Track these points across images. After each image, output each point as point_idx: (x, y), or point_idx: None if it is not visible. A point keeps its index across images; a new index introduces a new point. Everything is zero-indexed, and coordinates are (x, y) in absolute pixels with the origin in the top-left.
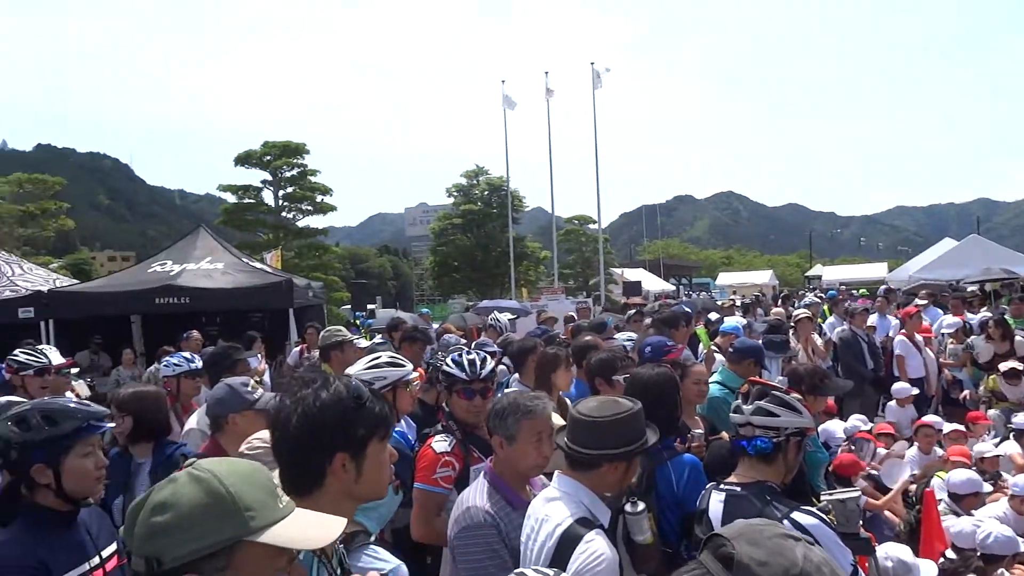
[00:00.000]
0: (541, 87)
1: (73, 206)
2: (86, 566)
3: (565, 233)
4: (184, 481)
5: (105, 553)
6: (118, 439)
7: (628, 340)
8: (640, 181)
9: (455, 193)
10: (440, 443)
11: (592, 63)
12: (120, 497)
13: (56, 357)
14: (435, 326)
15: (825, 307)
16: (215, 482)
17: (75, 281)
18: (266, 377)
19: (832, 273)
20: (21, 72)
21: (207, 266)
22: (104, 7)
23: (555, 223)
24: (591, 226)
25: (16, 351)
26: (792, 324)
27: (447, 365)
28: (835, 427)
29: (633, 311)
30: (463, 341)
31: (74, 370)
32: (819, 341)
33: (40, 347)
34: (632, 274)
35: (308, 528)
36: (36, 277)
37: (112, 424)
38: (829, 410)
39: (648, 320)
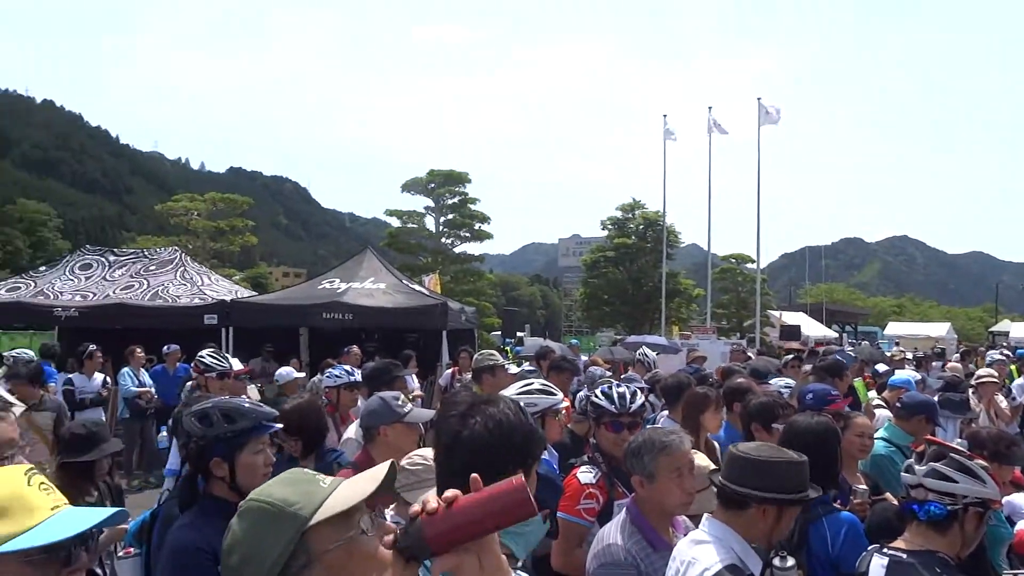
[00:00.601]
0: (703, 122)
1: (257, 224)
2: None
3: (721, 271)
4: (235, 522)
5: None
6: (286, 451)
7: (785, 387)
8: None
9: (609, 226)
10: (585, 474)
11: (759, 98)
12: None
13: (236, 364)
14: (583, 358)
15: (1013, 367)
16: (254, 504)
17: (254, 293)
18: (418, 395)
19: (1021, 330)
20: (219, 101)
21: (370, 286)
22: (291, 45)
23: (710, 260)
24: (749, 265)
25: (204, 354)
26: (973, 383)
27: (596, 397)
28: (1021, 501)
29: (791, 356)
30: (609, 374)
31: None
32: (1005, 404)
33: (224, 353)
34: (791, 318)
35: (351, 487)
36: (221, 288)
37: (280, 425)
38: (1016, 481)
39: (808, 367)
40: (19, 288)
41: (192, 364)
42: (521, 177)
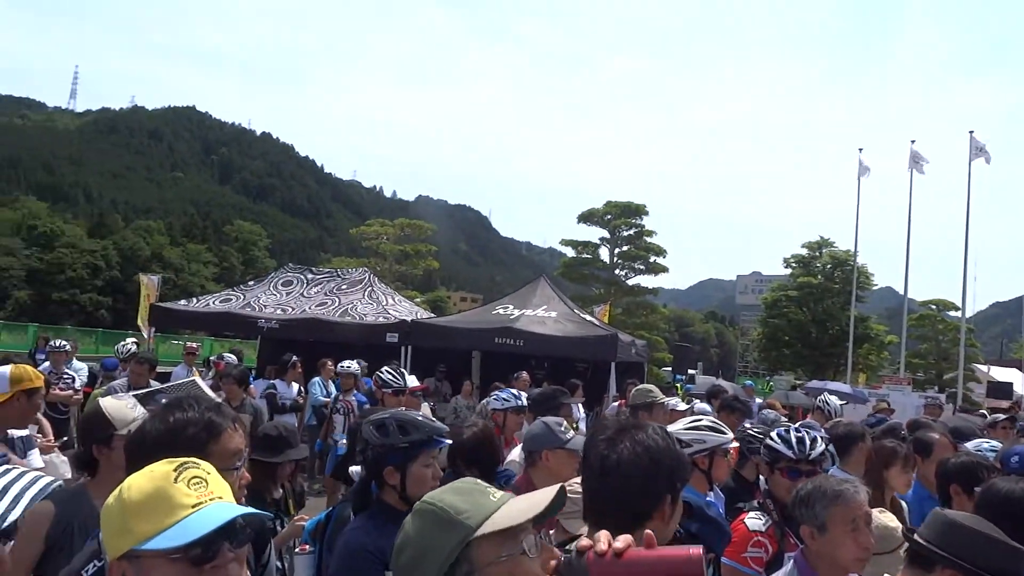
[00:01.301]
0: (902, 157)
1: (439, 249)
2: None
3: (918, 318)
4: (408, 521)
5: None
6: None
7: (991, 450)
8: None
9: (793, 264)
10: (754, 520)
11: (971, 132)
12: None
13: (412, 381)
14: (757, 400)
15: None
16: (427, 506)
17: (432, 315)
18: (582, 425)
19: None
20: (412, 134)
21: (543, 313)
22: (479, 81)
23: (907, 306)
24: (952, 313)
25: (383, 370)
26: None
27: (772, 440)
28: None
29: (1002, 416)
30: (785, 419)
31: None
32: None
33: (401, 370)
34: (1002, 373)
35: (520, 505)
36: (404, 308)
37: (449, 441)
38: None
39: (1020, 427)
40: (231, 300)
41: (372, 379)
42: (700, 210)
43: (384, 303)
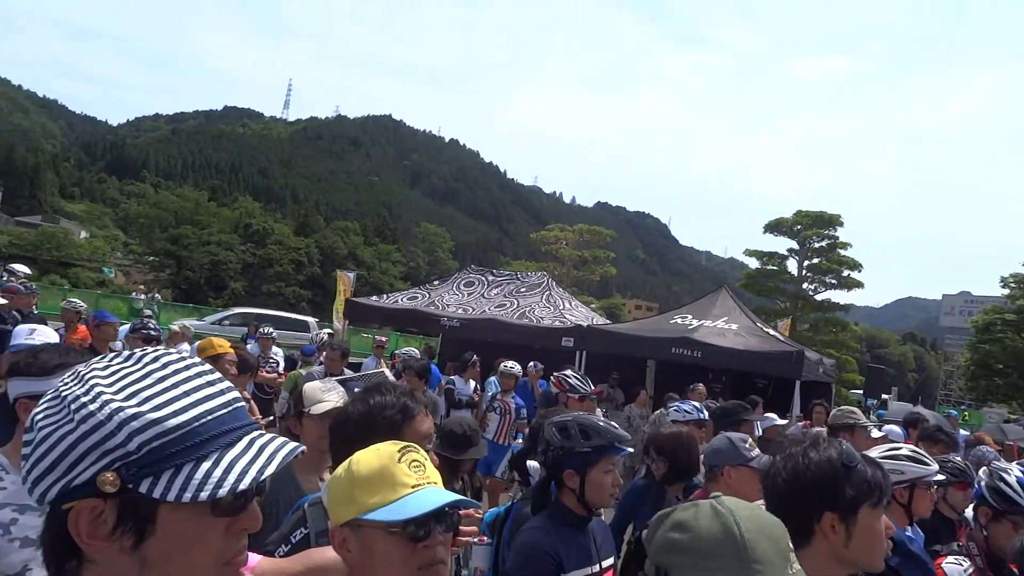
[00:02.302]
0: None
1: (617, 256)
2: (588, 570)
3: None
4: (706, 511)
5: (604, 564)
6: (655, 476)
7: None
8: None
9: (1012, 284)
10: (953, 565)
11: None
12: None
13: (589, 387)
14: (962, 432)
15: None
16: (732, 522)
17: (607, 321)
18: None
19: None
20: (592, 140)
21: (722, 325)
22: (661, 86)
23: None
24: None
25: (569, 373)
26: None
27: (1005, 484)
28: None
29: None
30: (999, 457)
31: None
32: None
33: (586, 376)
34: None
35: None
36: (579, 313)
37: (631, 449)
38: None
39: None
40: (417, 298)
41: (554, 380)
42: (901, 222)
43: (561, 307)
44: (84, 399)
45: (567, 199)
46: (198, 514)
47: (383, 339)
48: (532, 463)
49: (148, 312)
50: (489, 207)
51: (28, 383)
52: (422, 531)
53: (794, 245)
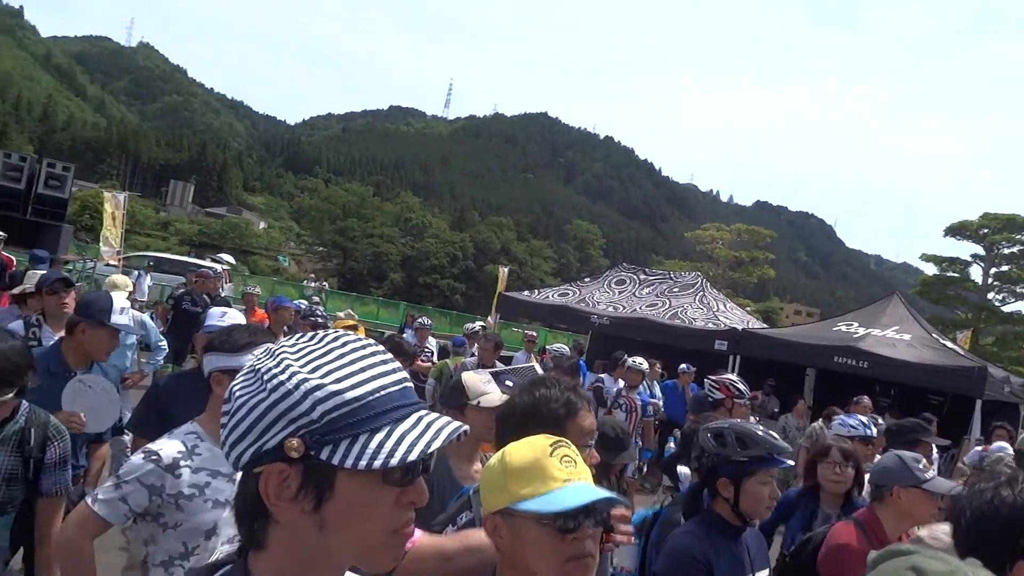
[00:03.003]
0: None
1: (776, 258)
2: None
3: None
4: (930, 560)
5: (758, 575)
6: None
7: None
8: None
9: None
10: None
11: None
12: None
13: (745, 389)
14: None
15: None
16: None
17: (764, 325)
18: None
19: None
20: (750, 137)
21: (892, 335)
22: (826, 81)
23: None
24: None
25: (735, 378)
26: None
27: None
28: None
29: None
30: None
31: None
32: None
33: (744, 382)
34: None
35: None
36: (734, 316)
37: (791, 462)
38: None
39: None
40: (568, 294)
41: (719, 384)
42: None
43: (715, 309)
44: (275, 371)
45: (724, 198)
46: (371, 482)
47: (533, 334)
48: (683, 469)
49: (316, 299)
50: (643, 205)
51: (221, 358)
52: (572, 524)
53: (979, 250)
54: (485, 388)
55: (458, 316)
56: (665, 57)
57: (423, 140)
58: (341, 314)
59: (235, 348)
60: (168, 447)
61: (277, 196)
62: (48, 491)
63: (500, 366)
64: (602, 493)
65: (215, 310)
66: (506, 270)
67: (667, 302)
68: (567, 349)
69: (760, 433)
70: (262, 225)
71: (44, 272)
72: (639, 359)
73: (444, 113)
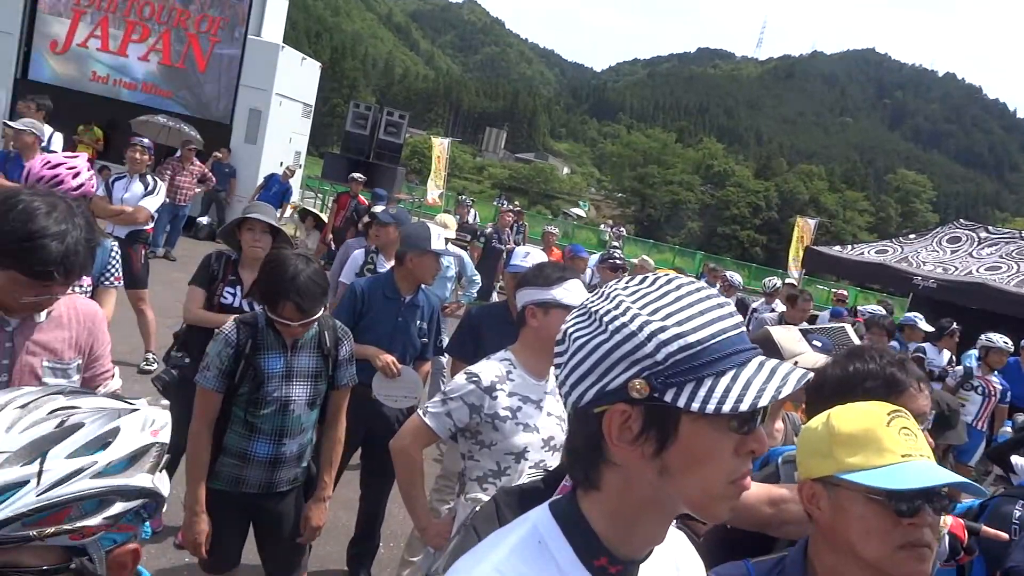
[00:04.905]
0: None
1: None
2: None
3: None
4: None
5: None
6: None
7: None
8: None
9: None
10: None
11: None
12: None
13: None
14: None
15: None
16: None
17: None
18: None
19: None
20: None
21: None
22: None
23: None
24: None
25: None
26: None
27: None
28: None
29: None
30: None
31: None
32: None
33: None
34: None
35: None
36: None
37: None
38: None
39: None
40: (887, 251)
41: None
42: None
43: None
44: (615, 312)
45: None
46: (715, 428)
47: (843, 293)
48: (1018, 459)
49: (616, 244)
50: (988, 152)
51: (535, 292)
52: (910, 507)
53: None
54: (798, 347)
55: (757, 269)
56: None
57: (731, 83)
58: (636, 260)
59: (548, 282)
60: (487, 370)
61: (581, 142)
62: (340, 383)
63: (804, 326)
64: (950, 476)
65: (519, 249)
66: (812, 222)
67: (1015, 266)
68: (882, 311)
69: None
70: (565, 171)
71: (382, 208)
72: (1001, 338)
73: (755, 54)
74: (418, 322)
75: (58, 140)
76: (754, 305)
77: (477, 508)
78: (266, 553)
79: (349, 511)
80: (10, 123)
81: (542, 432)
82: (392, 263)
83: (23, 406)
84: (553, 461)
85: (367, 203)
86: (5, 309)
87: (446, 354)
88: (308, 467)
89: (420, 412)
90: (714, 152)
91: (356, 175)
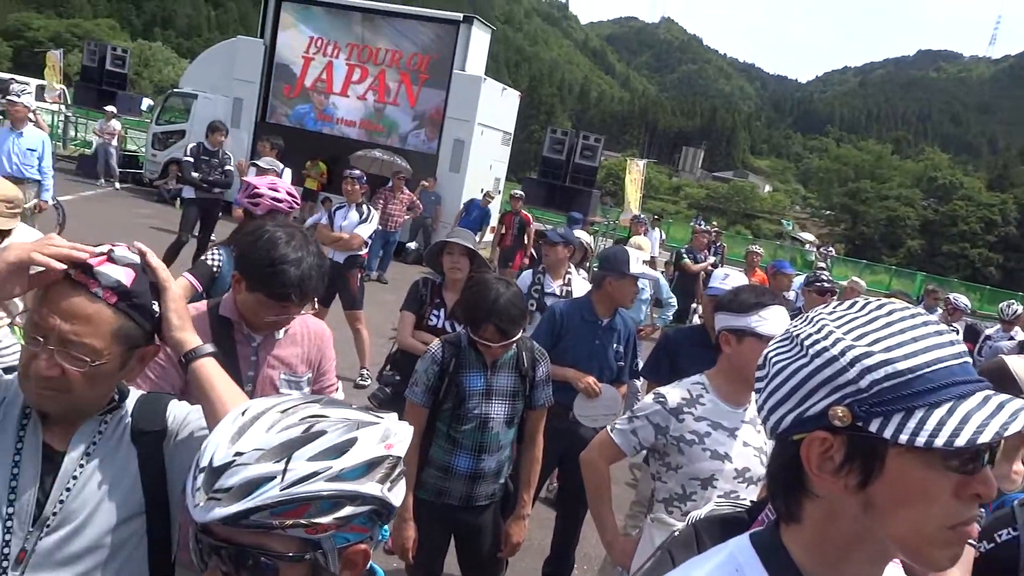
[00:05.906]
0: None
1: None
2: None
3: None
4: None
5: None
6: None
7: None
8: None
9: None
10: None
11: None
12: None
13: None
14: None
15: None
16: None
17: None
18: None
19: None
20: None
21: None
22: None
23: None
24: None
25: None
26: None
27: None
28: None
29: None
30: None
31: None
32: None
33: None
34: None
35: None
36: None
37: None
38: None
39: None
40: None
41: None
42: None
43: None
44: (817, 337)
45: None
46: (928, 465)
47: None
48: None
49: (822, 265)
50: None
51: (729, 318)
52: None
53: None
54: None
55: (991, 292)
56: None
57: (957, 86)
58: (845, 283)
59: (743, 308)
60: (674, 393)
61: (783, 158)
62: (537, 403)
63: None
64: None
65: (718, 272)
66: None
67: None
68: None
69: None
70: (767, 188)
71: (561, 229)
72: None
73: (988, 52)
74: (615, 345)
75: (287, 174)
76: (988, 332)
77: (675, 532)
78: (466, 564)
79: (544, 529)
80: (256, 162)
81: (735, 462)
82: (559, 283)
83: (284, 411)
84: (747, 493)
85: (530, 218)
86: (252, 327)
87: (641, 377)
88: (506, 484)
89: (608, 428)
90: (938, 163)
91: (515, 191)
